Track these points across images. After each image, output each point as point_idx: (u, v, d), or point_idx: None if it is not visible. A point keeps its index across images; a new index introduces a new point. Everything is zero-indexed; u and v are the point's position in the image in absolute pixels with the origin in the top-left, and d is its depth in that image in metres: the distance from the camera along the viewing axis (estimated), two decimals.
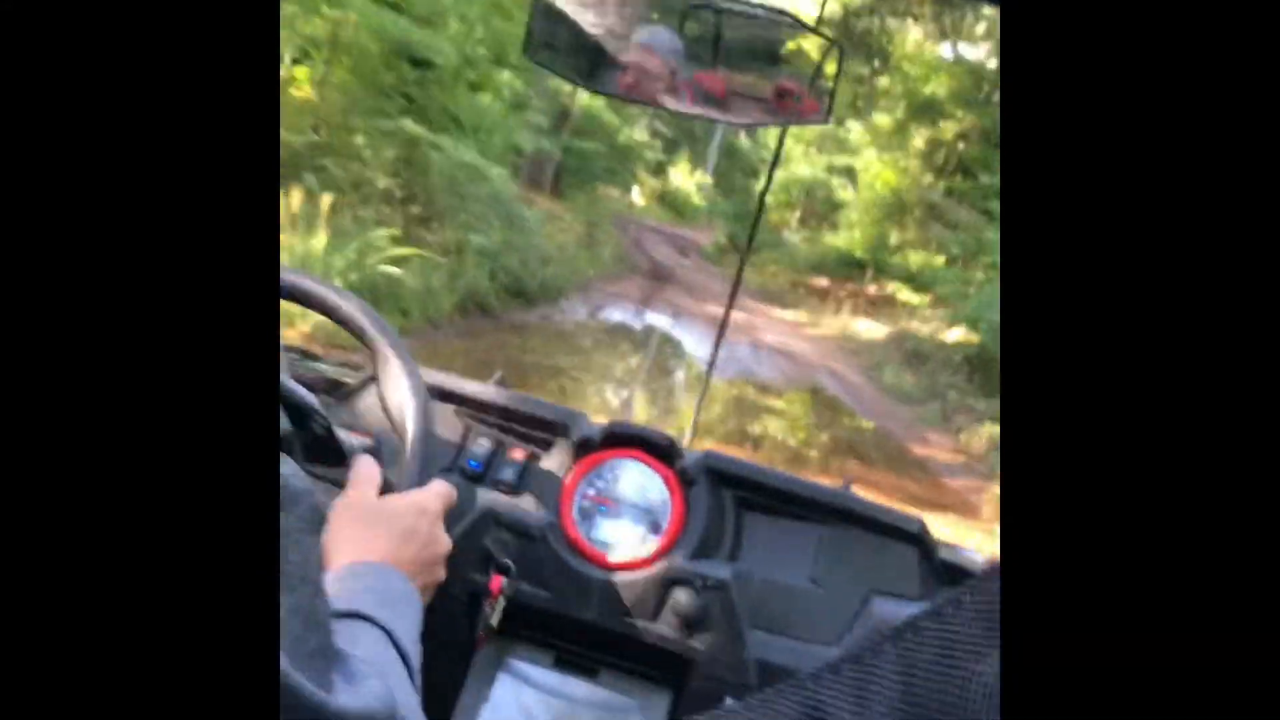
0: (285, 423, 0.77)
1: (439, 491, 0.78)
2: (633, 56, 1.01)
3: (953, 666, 0.29)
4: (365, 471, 0.77)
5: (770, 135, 24.47)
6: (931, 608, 0.33)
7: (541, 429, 1.12)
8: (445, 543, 0.75)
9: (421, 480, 0.81)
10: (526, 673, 1.07)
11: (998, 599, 0.29)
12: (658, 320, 10.51)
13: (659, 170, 31.83)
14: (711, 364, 1.89)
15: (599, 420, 1.12)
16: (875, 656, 0.31)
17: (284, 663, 0.36)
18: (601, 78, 1.07)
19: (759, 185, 22.65)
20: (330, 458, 0.80)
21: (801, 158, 20.94)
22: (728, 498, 1.09)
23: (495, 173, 8.64)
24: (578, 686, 1.06)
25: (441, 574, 0.75)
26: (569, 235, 12.27)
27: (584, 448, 1.08)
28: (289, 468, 0.41)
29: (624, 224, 19.17)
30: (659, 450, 1.07)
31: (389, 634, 0.58)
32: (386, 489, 0.76)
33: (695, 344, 9.63)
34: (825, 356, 10.96)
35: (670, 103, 1.06)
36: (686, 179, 30.73)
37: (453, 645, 1.02)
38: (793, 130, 21.56)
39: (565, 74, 1.15)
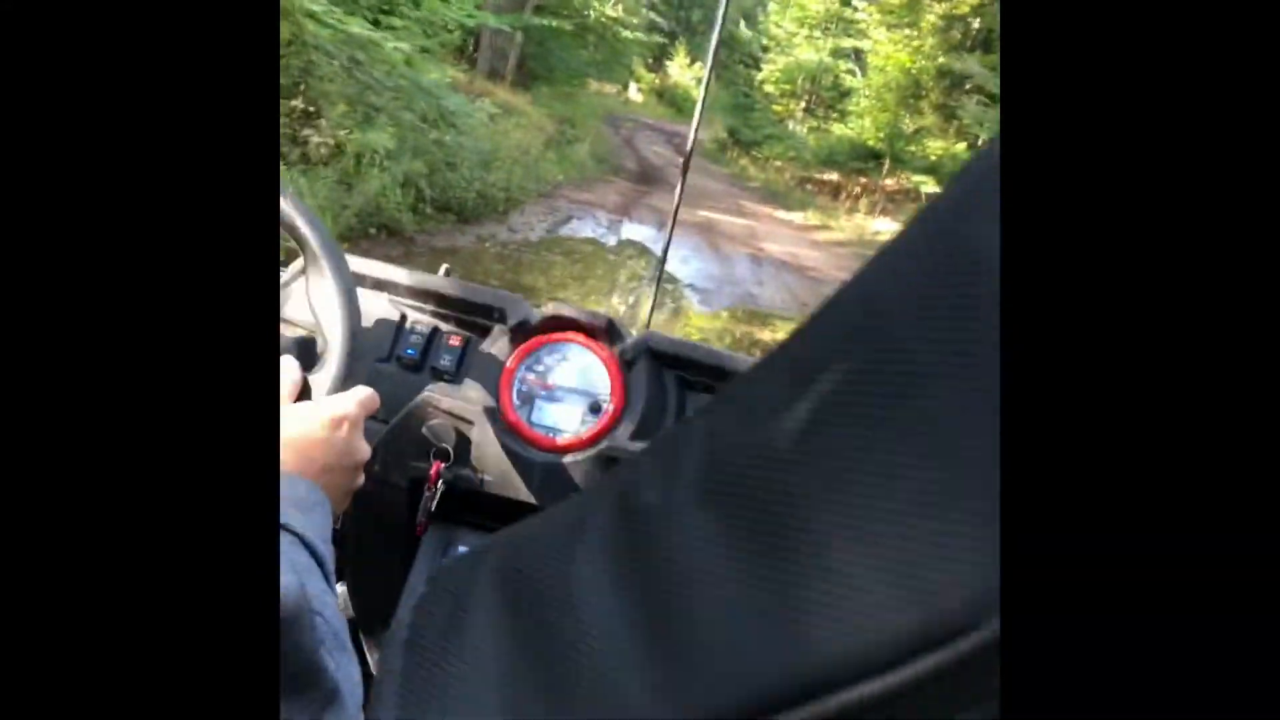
0: None
1: (358, 398, 0.74)
2: None
3: (755, 424, 0.27)
4: (283, 375, 0.75)
5: (771, 22, 23.10)
6: (742, 373, 0.30)
7: (479, 315, 1.11)
8: (363, 451, 0.73)
9: (346, 383, 0.78)
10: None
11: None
12: (637, 233, 8.49)
13: (657, 64, 30.33)
14: (663, 260, 1.66)
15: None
16: (686, 428, 0.30)
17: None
18: None
19: (760, 74, 21.39)
20: None
21: (805, 42, 19.48)
22: (669, 378, 1.08)
23: (395, 48, 6.46)
24: None
25: (359, 480, 0.73)
26: (534, 135, 10.31)
27: (522, 332, 1.07)
28: None
29: (617, 122, 18.03)
30: (598, 332, 1.06)
31: (300, 538, 0.57)
32: (305, 394, 0.75)
33: (684, 261, 7.82)
34: (840, 267, 9.35)
35: None
36: (684, 72, 29.28)
37: (396, 534, 1.03)
38: (794, 12, 20.25)
39: None
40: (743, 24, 35.88)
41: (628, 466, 0.31)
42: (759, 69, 22.68)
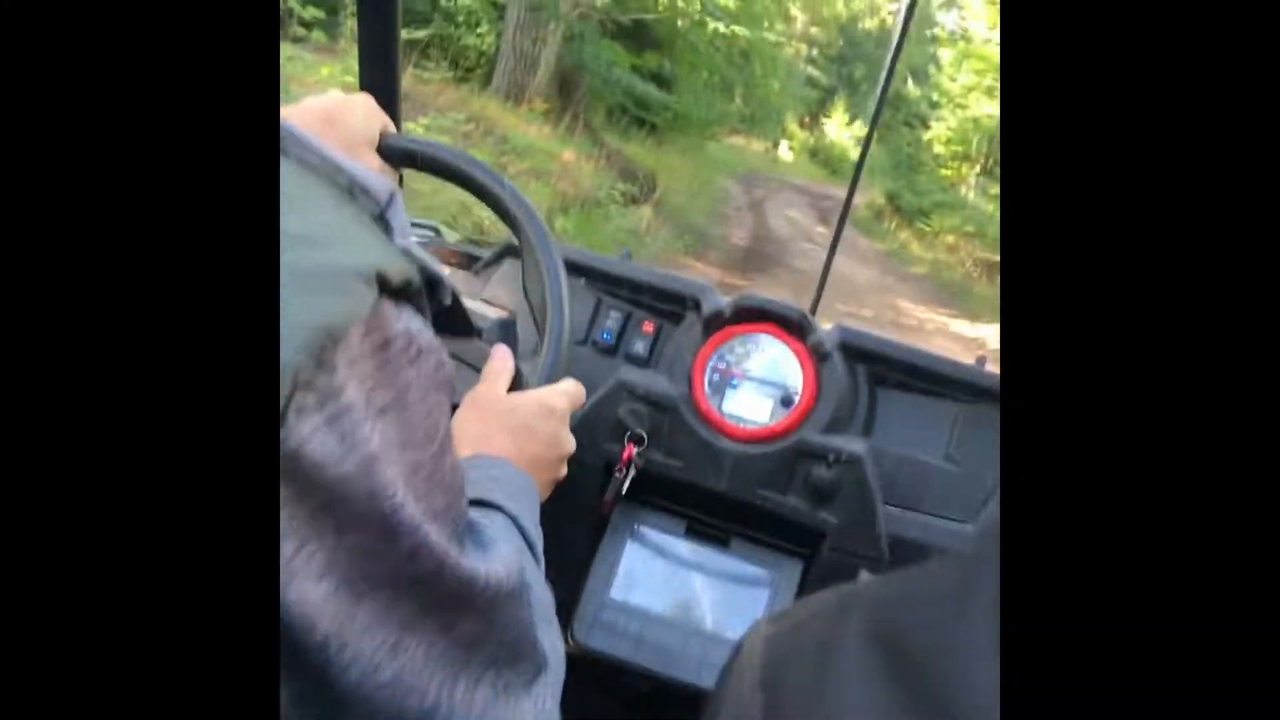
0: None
1: (567, 390, 0.77)
2: None
3: None
4: (499, 364, 0.76)
5: (945, 75, 20.40)
6: None
7: (672, 303, 1.12)
8: (569, 444, 0.75)
9: (555, 374, 0.79)
10: (658, 541, 1.09)
11: None
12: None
13: (813, 122, 27.91)
14: (833, 247, 1.62)
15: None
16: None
17: (406, 518, 0.37)
18: None
19: (929, 134, 18.61)
20: (459, 328, 0.74)
21: (986, 95, 16.57)
22: (861, 373, 1.08)
23: None
24: (709, 555, 1.08)
25: (563, 471, 0.75)
26: (568, 184, 7.06)
27: (715, 321, 1.08)
28: (417, 323, 0.41)
29: (754, 181, 15.61)
30: (790, 324, 1.07)
31: (514, 520, 0.58)
32: (518, 382, 0.77)
33: None
34: None
35: None
36: (842, 130, 26.77)
37: (586, 514, 1.06)
38: (973, 64, 17.36)
39: None
40: (910, 81, 33.12)
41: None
42: (926, 128, 20.06)
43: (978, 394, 1.06)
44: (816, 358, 1.05)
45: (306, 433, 0.34)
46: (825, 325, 1.09)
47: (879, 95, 1.61)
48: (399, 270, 0.41)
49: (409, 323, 0.40)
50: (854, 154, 26.30)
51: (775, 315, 1.07)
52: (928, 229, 13.38)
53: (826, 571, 1.01)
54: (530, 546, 0.58)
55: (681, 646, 1.03)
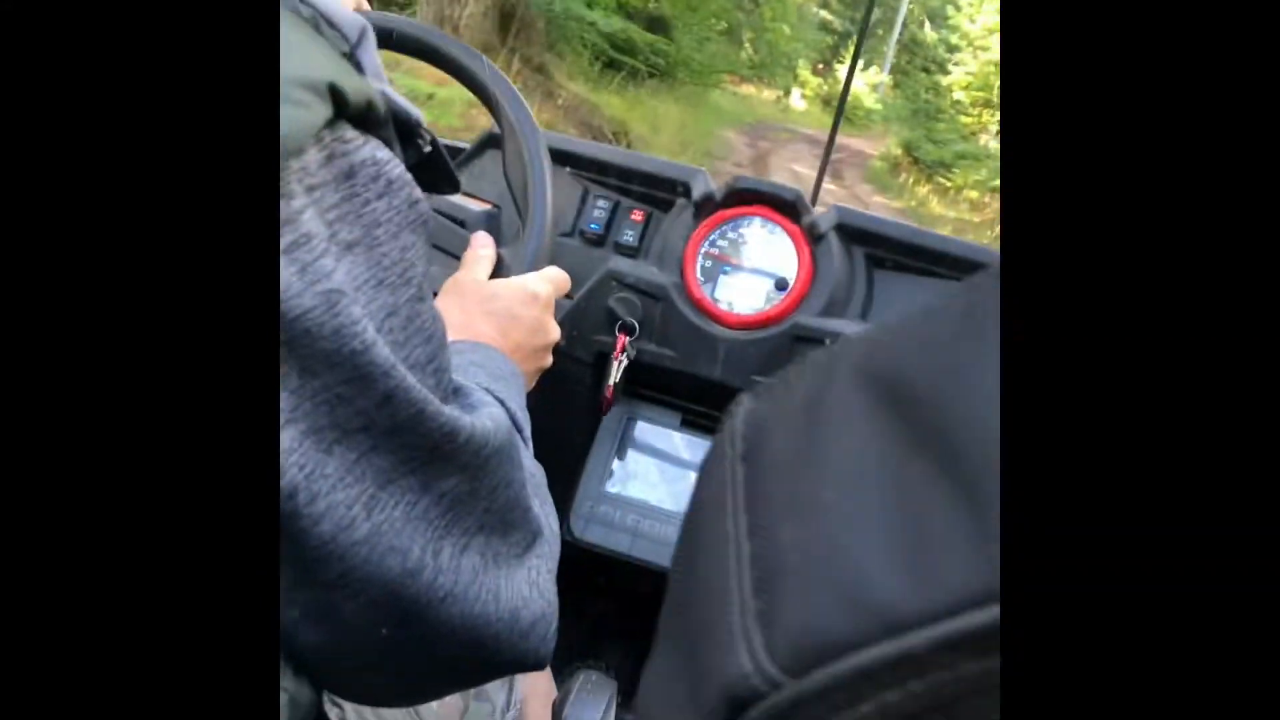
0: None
1: (552, 277, 0.75)
2: None
3: None
4: (479, 250, 0.74)
5: (965, 16, 19.44)
6: None
7: (662, 189, 1.09)
8: (554, 332, 0.73)
9: (539, 260, 0.77)
10: (652, 433, 1.09)
11: None
12: None
13: (826, 69, 26.84)
14: (832, 136, 1.56)
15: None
16: None
17: (378, 361, 0.35)
18: None
19: (948, 79, 17.72)
20: (441, 181, 0.64)
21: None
22: (858, 254, 1.05)
23: None
24: (704, 446, 0.98)
25: (548, 361, 0.73)
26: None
27: (706, 206, 1.06)
28: (385, 153, 0.38)
29: (762, 131, 14.73)
30: (784, 206, 1.04)
31: (502, 403, 0.53)
32: (500, 269, 0.75)
33: None
34: None
35: None
36: (857, 77, 25.88)
37: (580, 405, 1.04)
38: (992, 4, 16.50)
39: None
40: (927, 25, 31.91)
41: None
42: (945, 73, 19.03)
43: (973, 270, 0.70)
44: (811, 239, 1.04)
45: None
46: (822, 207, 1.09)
47: (858, 38, 1.64)
48: (358, 89, 0.37)
49: (376, 151, 0.37)
50: (869, 102, 25.37)
51: (769, 197, 1.05)
52: (950, 183, 12.56)
53: None
54: (517, 428, 0.54)
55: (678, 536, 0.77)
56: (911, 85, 31.40)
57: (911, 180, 12.77)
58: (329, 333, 0.33)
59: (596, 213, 1.08)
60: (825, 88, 24.67)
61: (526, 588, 0.45)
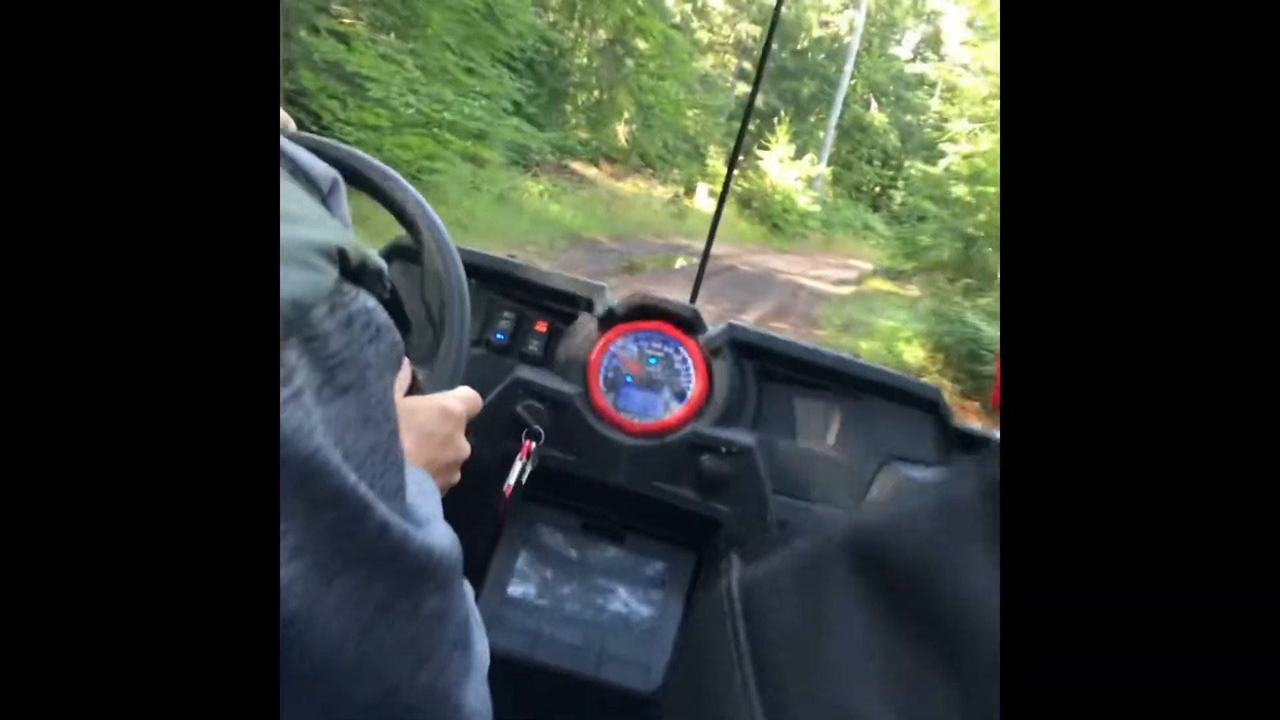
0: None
1: (465, 396, 0.75)
2: None
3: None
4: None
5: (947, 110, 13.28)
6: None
7: (565, 303, 1.14)
8: (464, 448, 0.73)
9: (455, 381, 0.77)
10: (555, 537, 1.13)
11: None
12: None
13: (745, 159, 20.51)
14: (709, 241, 1.45)
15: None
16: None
17: (370, 496, 0.37)
18: None
19: (932, 169, 11.30)
20: (395, 322, 0.64)
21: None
22: (750, 368, 1.12)
23: None
24: (605, 550, 1.13)
25: (455, 478, 0.73)
26: None
27: (608, 320, 1.11)
28: (373, 302, 0.41)
29: (608, 256, 8.15)
30: (682, 322, 1.11)
31: None
32: (414, 386, 0.75)
33: None
34: None
35: None
36: (787, 167, 19.22)
37: (485, 513, 1.03)
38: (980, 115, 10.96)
39: None
40: (873, 105, 25.86)
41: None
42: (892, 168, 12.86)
43: (858, 386, 1.10)
44: (708, 353, 1.10)
45: None
46: (717, 324, 1.12)
47: (748, 100, 1.54)
48: (356, 249, 0.41)
49: (366, 301, 0.41)
50: (805, 202, 18.78)
51: (667, 313, 1.10)
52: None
53: (719, 562, 1.02)
54: None
55: (581, 641, 1.06)
56: (857, 177, 24.98)
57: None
58: (334, 471, 0.35)
59: (502, 323, 1.13)
60: (744, 183, 17.97)
61: (478, 701, 0.47)
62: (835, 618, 0.29)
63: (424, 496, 0.58)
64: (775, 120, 19.18)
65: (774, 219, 18.00)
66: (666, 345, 1.09)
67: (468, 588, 0.51)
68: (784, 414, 1.10)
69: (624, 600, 1.08)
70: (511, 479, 0.97)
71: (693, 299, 1.28)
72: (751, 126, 20.48)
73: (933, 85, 17.90)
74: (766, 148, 18.77)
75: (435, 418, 0.70)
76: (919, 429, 1.09)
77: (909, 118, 24.50)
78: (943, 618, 0.26)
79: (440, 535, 0.44)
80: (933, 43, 29.61)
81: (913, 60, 26.83)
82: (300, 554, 0.34)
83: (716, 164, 17.81)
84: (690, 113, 18.01)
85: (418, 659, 0.41)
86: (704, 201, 16.95)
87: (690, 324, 1.10)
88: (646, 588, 1.09)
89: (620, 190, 14.89)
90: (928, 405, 1.09)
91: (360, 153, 0.79)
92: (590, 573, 1.09)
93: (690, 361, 1.08)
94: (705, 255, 1.43)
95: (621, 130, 16.30)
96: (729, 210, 17.69)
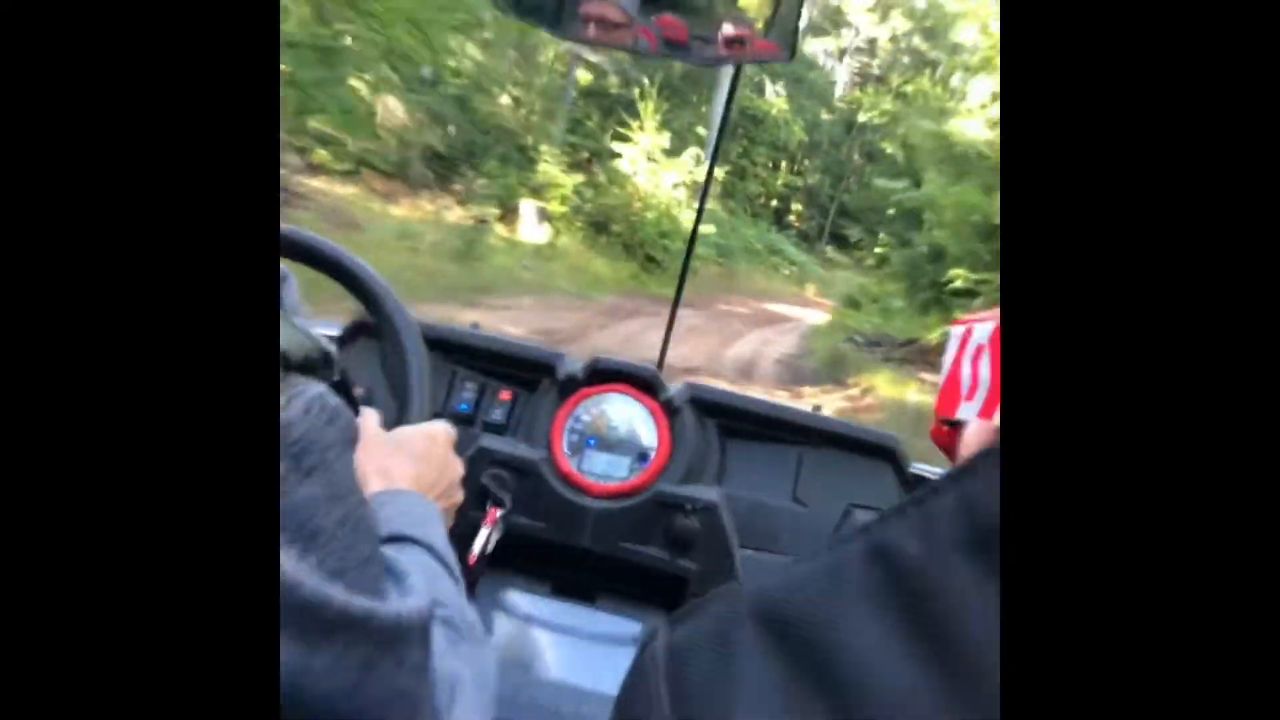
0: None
1: (443, 426, 0.78)
2: (592, 7, 1.02)
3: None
4: (368, 418, 0.77)
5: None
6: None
7: (526, 370, 1.16)
8: (459, 467, 0.76)
9: None
10: (525, 602, 1.14)
11: None
12: None
13: (593, 158, 14.26)
14: (676, 299, 1.41)
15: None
16: (936, 494, 0.33)
17: (334, 589, 0.39)
18: (567, 25, 1.05)
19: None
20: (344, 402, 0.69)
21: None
22: (711, 425, 1.15)
23: None
24: (576, 613, 1.13)
25: (459, 496, 0.76)
26: None
27: (570, 385, 1.13)
28: (322, 388, 0.43)
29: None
30: (643, 383, 1.12)
31: (427, 548, 0.60)
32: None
33: None
34: None
35: (635, 46, 1.06)
36: (659, 171, 12.99)
37: None
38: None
39: (534, 22, 1.11)
40: (768, 87, 20.09)
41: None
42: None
43: (819, 438, 1.13)
44: (669, 413, 1.11)
45: None
46: (676, 384, 1.14)
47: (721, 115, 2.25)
48: (299, 346, 0.45)
49: (318, 388, 0.43)
50: (686, 220, 12.63)
51: (628, 376, 1.12)
52: None
53: None
54: (449, 571, 0.59)
55: (553, 704, 1.07)
56: (750, 183, 19.05)
57: None
58: (295, 584, 0.37)
59: (465, 394, 1.14)
60: (592, 195, 11.73)
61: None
62: (745, 675, 0.31)
63: (422, 526, 0.61)
64: (637, 99, 12.98)
65: (646, 248, 11.86)
66: (628, 406, 1.11)
67: (465, 624, 0.54)
68: (747, 469, 1.13)
69: (597, 662, 1.09)
70: (476, 547, 0.97)
71: (659, 365, 1.25)
72: (596, 114, 14.36)
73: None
74: (625, 138, 12.58)
75: (423, 442, 0.72)
76: (878, 476, 1.11)
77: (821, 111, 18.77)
78: (835, 671, 0.29)
79: (417, 596, 0.46)
80: (831, 13, 24.19)
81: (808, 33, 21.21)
82: (282, 629, 0.36)
83: (552, 170, 11.48)
84: (505, 98, 11.78)
85: (412, 705, 0.44)
86: (531, 227, 10.73)
87: (650, 385, 1.12)
88: (620, 648, 1.10)
89: (387, 216, 8.70)
90: (885, 454, 1.11)
91: (315, 234, 0.80)
92: (562, 636, 1.11)
93: (652, 421, 1.10)
94: (674, 309, 1.38)
95: (389, 119, 10.00)
96: (569, 234, 11.39)
